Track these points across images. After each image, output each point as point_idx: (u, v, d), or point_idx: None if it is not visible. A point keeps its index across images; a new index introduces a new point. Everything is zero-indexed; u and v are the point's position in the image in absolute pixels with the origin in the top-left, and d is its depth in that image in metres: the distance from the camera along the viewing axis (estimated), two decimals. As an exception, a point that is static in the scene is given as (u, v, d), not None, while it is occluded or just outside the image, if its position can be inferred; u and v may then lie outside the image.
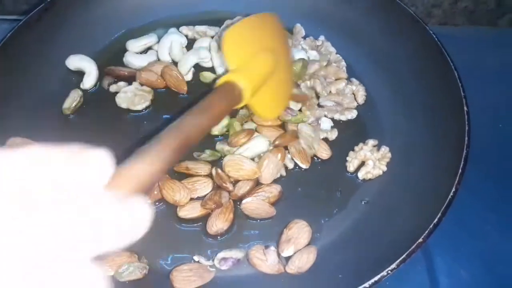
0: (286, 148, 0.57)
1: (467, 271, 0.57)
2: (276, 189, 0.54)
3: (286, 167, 0.57)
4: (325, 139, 0.59)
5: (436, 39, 0.59)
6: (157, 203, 0.53)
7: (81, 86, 0.63)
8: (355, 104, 0.62)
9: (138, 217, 0.22)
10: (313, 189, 0.55)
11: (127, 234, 0.22)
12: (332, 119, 0.61)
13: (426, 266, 0.57)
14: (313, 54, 0.66)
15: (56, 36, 0.64)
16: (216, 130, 0.58)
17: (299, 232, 0.51)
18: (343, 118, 0.60)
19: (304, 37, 0.69)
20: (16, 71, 0.60)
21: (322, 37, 0.69)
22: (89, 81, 0.63)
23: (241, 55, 0.45)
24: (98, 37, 0.68)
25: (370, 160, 0.56)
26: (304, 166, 0.57)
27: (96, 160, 0.22)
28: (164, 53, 0.66)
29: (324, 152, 0.57)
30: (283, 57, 0.52)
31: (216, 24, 0.69)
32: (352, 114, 0.61)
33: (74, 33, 0.66)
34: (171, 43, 0.65)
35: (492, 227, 0.60)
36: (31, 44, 0.62)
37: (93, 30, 0.67)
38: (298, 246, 0.50)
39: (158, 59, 0.66)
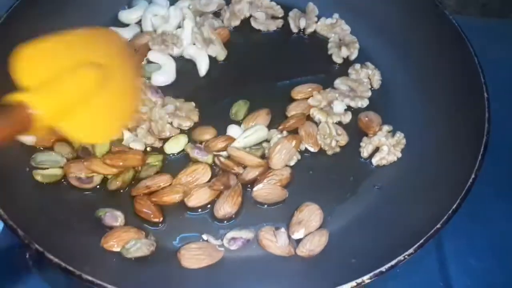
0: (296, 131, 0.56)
1: (477, 260, 0.56)
2: (286, 171, 0.53)
3: (324, 162, 0.55)
4: (339, 123, 0.58)
5: (455, 23, 0.57)
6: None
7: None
8: (369, 93, 0.60)
9: None
10: (325, 173, 0.54)
11: None
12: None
13: (436, 254, 0.56)
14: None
15: (58, 9, 0.62)
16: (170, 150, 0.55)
17: (310, 215, 0.50)
18: (353, 104, 0.59)
19: (318, 17, 0.67)
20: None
21: (336, 15, 0.67)
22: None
23: (39, 73, 0.39)
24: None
25: (384, 146, 0.55)
26: (313, 149, 0.55)
27: None
28: (148, 25, 0.65)
29: (343, 140, 0.56)
30: (117, 73, 0.47)
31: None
32: (363, 103, 0.59)
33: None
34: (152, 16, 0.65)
35: (504, 217, 0.59)
36: (31, 18, 0.59)
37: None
38: (309, 229, 0.49)
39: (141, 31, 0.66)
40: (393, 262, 0.42)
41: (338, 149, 0.55)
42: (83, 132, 0.41)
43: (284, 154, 0.53)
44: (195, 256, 0.46)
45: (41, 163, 0.52)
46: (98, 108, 0.43)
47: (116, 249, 0.46)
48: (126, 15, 0.67)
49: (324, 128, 0.56)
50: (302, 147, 0.55)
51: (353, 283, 0.41)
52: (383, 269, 0.41)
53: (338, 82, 0.61)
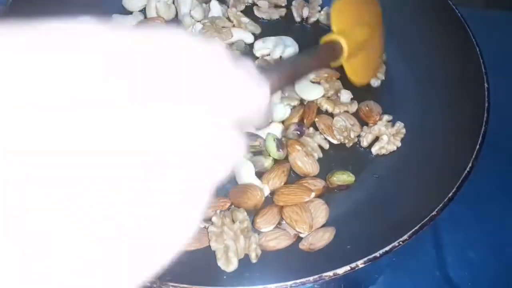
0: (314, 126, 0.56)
1: (475, 252, 0.56)
2: (320, 183, 0.51)
3: (321, 148, 0.55)
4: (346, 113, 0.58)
5: (458, 13, 0.57)
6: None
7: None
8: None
9: (235, 145, 0.20)
10: (324, 162, 0.54)
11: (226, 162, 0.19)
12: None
13: (434, 246, 0.56)
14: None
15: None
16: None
17: (315, 211, 0.49)
18: None
19: (321, 6, 0.68)
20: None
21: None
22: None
23: (344, 21, 0.48)
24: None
25: (384, 135, 0.55)
26: (335, 141, 0.55)
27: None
28: (152, 12, 0.65)
29: (357, 129, 0.57)
30: (377, 34, 0.55)
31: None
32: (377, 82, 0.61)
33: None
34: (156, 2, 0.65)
35: (503, 209, 0.59)
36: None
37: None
38: (316, 225, 0.48)
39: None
40: (387, 248, 0.42)
41: (356, 139, 0.56)
42: (353, 72, 0.48)
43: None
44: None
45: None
46: (368, 55, 0.51)
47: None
48: (130, 2, 0.67)
49: (338, 121, 0.56)
50: (321, 139, 0.55)
51: (347, 268, 0.41)
52: (377, 254, 0.42)
53: None
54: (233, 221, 0.47)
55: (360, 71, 0.52)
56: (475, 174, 0.49)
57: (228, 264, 0.44)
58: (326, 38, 0.44)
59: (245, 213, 0.48)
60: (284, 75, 0.31)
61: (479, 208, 0.59)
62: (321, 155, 0.54)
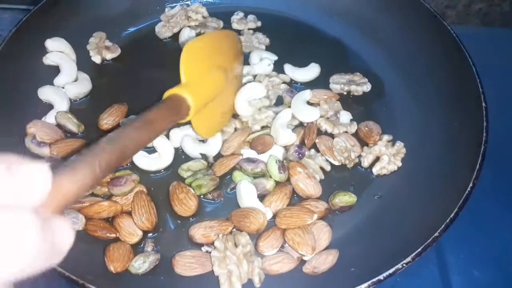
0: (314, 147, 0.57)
1: (480, 271, 0.56)
2: (322, 205, 0.52)
3: (325, 170, 0.55)
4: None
5: (453, 34, 0.58)
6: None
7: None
8: (366, 80, 0.62)
9: (63, 237, 0.21)
10: (326, 182, 0.54)
11: (51, 255, 0.21)
12: (349, 92, 0.62)
13: (438, 265, 0.56)
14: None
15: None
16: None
17: (318, 233, 0.49)
18: (359, 89, 0.61)
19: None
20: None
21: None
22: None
23: (196, 70, 0.45)
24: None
25: (385, 155, 0.55)
26: (336, 162, 0.55)
27: (33, 175, 0.21)
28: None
29: (358, 150, 0.57)
30: (233, 76, 0.53)
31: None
32: (368, 86, 0.62)
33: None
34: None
35: (507, 227, 0.59)
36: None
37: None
38: (319, 248, 0.48)
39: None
40: (391, 271, 0.42)
41: (357, 160, 0.56)
42: (202, 126, 0.47)
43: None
44: (187, 264, 0.47)
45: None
46: (216, 106, 0.49)
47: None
48: (161, 32, 0.68)
49: (339, 143, 0.56)
50: (322, 161, 0.55)
51: (352, 291, 0.41)
52: (381, 277, 0.42)
53: (334, 77, 0.63)
54: (236, 245, 0.47)
55: (210, 124, 0.50)
56: (478, 192, 0.49)
57: None
58: (171, 92, 0.41)
59: (248, 237, 0.48)
60: (99, 168, 0.26)
61: (483, 227, 0.58)
62: (322, 176, 0.55)
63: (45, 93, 0.59)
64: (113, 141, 0.30)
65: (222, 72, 0.49)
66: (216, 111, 0.51)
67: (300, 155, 0.54)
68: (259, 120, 0.58)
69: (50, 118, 0.57)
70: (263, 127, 0.58)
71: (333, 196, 0.52)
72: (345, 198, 0.52)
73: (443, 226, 0.44)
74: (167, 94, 0.41)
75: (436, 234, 0.44)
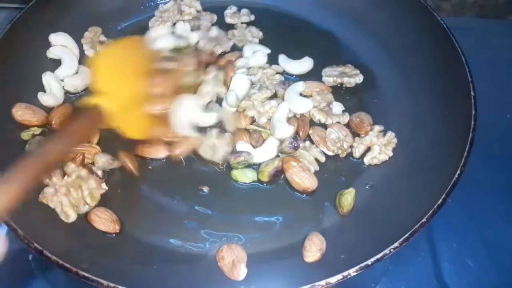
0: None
1: (472, 259, 0.56)
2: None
3: (318, 161, 0.56)
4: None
5: (444, 25, 0.58)
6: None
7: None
8: (358, 71, 0.63)
9: None
10: (317, 172, 0.55)
11: None
12: (341, 84, 0.62)
13: (431, 253, 0.56)
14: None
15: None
16: None
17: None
18: (352, 81, 0.62)
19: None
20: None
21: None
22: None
23: (111, 78, 0.47)
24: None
25: (376, 146, 0.56)
26: (329, 153, 0.56)
27: None
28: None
29: (350, 140, 0.58)
30: (149, 80, 0.53)
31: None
32: (360, 78, 0.62)
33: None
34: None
35: (498, 216, 0.59)
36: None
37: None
38: None
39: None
40: (378, 256, 0.43)
41: (349, 150, 0.57)
42: (129, 128, 0.49)
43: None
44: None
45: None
46: (138, 109, 0.50)
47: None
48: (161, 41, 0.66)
49: (332, 133, 0.57)
50: (317, 152, 0.56)
51: (340, 276, 0.42)
52: (368, 262, 0.42)
53: (327, 70, 0.63)
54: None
55: (135, 125, 0.51)
56: (470, 183, 0.49)
57: (67, 217, 0.50)
58: (88, 102, 0.43)
59: (73, 165, 0.50)
60: (24, 182, 0.31)
61: (475, 215, 0.59)
62: (317, 168, 0.55)
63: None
64: (37, 156, 0.36)
65: (138, 77, 0.50)
66: (139, 113, 0.51)
67: (296, 146, 0.54)
68: (263, 112, 0.58)
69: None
70: (269, 119, 0.58)
71: (339, 201, 0.52)
72: (348, 199, 0.52)
73: (430, 212, 0.44)
74: (84, 104, 0.43)
75: (424, 219, 0.44)
